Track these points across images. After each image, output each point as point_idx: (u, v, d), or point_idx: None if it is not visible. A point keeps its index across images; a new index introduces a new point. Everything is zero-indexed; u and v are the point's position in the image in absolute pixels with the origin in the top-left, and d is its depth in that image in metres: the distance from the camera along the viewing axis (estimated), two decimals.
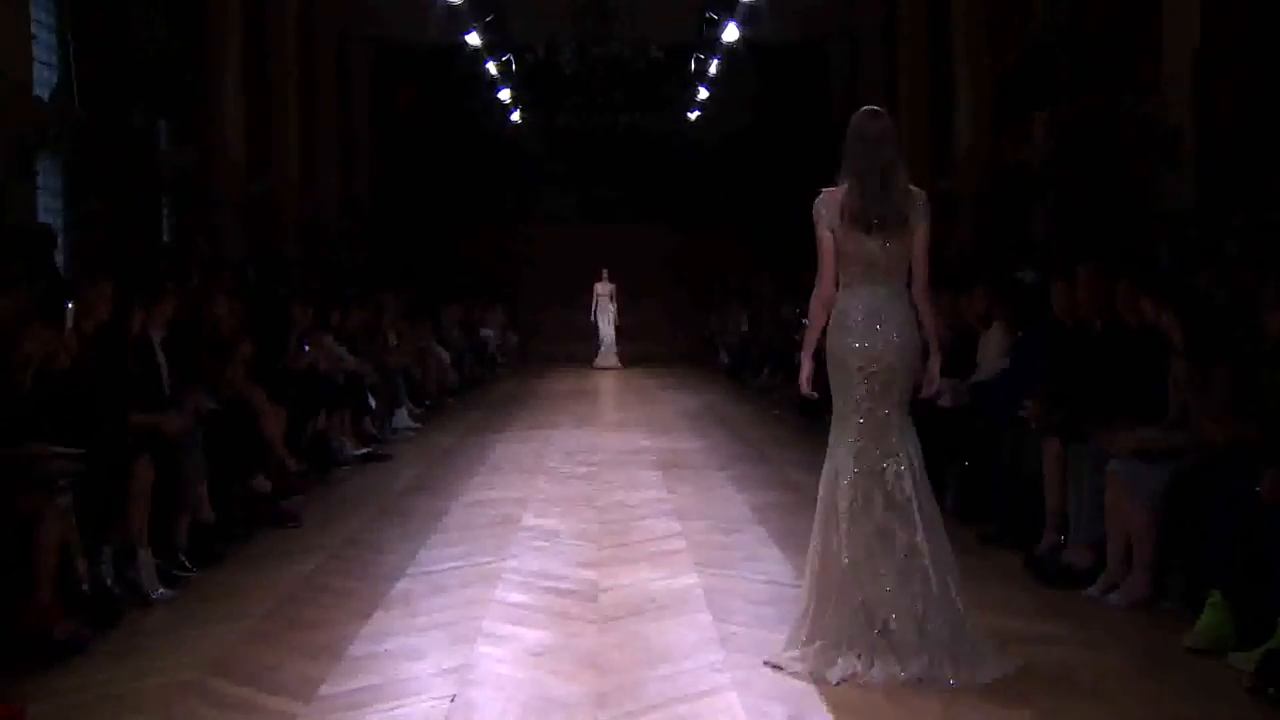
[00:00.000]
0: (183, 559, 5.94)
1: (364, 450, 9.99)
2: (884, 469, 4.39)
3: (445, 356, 15.49)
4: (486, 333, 20.31)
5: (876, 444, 4.41)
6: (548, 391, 16.66)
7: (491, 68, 21.16)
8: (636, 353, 21.14)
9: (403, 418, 11.92)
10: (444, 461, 9.88)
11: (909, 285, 4.52)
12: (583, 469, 9.32)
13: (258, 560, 6.31)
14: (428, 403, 13.65)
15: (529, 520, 7.25)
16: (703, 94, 22.75)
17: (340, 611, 5.24)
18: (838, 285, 4.48)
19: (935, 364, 4.57)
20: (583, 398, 15.92)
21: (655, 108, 23.57)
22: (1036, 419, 6.26)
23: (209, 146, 13.67)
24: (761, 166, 23.89)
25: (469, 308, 19.58)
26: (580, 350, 20.97)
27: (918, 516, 4.34)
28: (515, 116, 24.38)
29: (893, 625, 4.24)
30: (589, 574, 5.87)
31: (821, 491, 4.45)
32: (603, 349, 20.28)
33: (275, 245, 15.22)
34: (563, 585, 5.66)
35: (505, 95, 23.05)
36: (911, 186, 4.49)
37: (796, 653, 4.36)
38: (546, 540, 6.69)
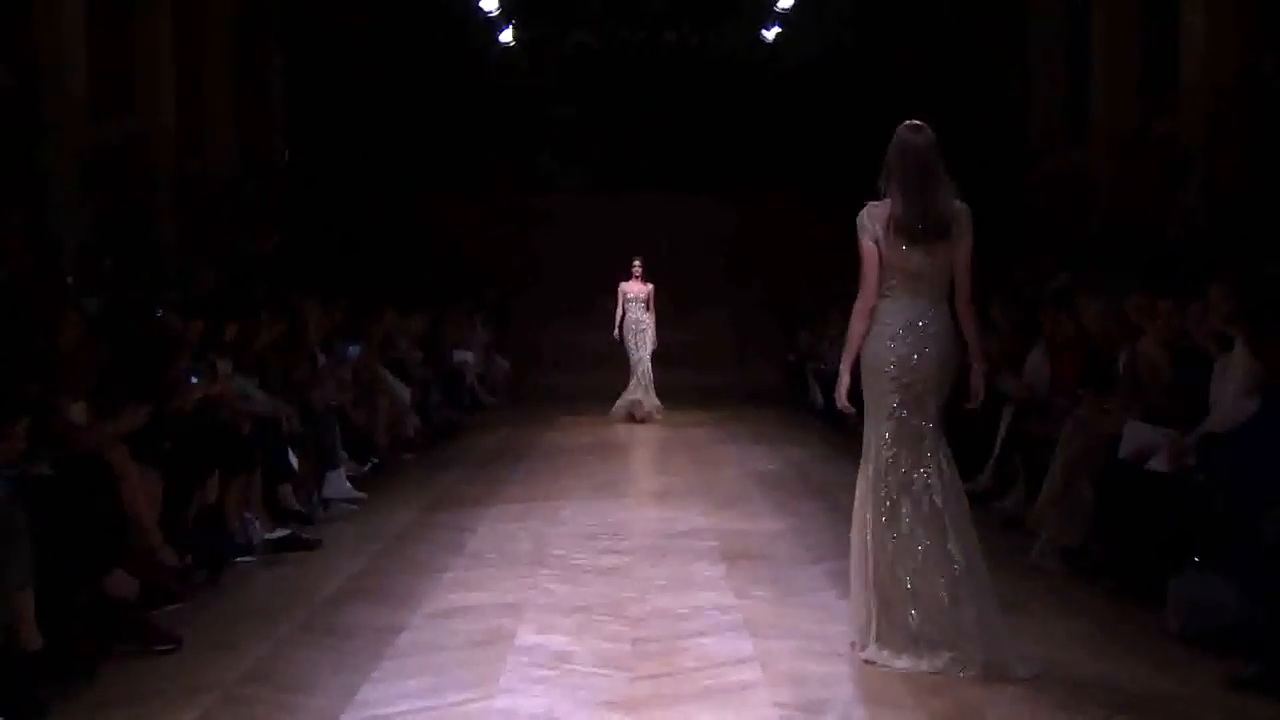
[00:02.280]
0: None
1: (280, 533, 10.01)
2: (914, 479, 6.50)
3: (402, 393, 15.62)
4: (463, 357, 20.44)
5: (909, 453, 6.52)
6: (553, 444, 16.72)
7: None
8: (685, 386, 21.14)
9: (339, 484, 12.00)
10: (399, 550, 9.95)
11: (950, 298, 6.62)
12: (607, 560, 9.40)
13: (108, 710, 6.24)
14: (375, 461, 13.76)
15: (527, 638, 7.32)
16: None
17: None
18: (880, 296, 6.51)
19: (978, 374, 6.73)
20: (606, 454, 15.97)
21: (714, 19, 23.71)
22: None
23: (36, 74, 13.75)
24: (871, 107, 23.83)
25: (436, 320, 19.70)
26: (602, 382, 20.93)
27: (948, 524, 6.47)
28: (506, 35, 24.54)
29: (914, 622, 6.42)
30: (617, 719, 5.92)
31: (856, 508, 6.66)
32: (632, 384, 19.45)
33: (142, 223, 15.29)
34: None
35: (492, 1, 23.19)
36: (955, 200, 6.56)
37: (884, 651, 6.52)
38: (553, 667, 6.76)
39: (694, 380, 21.97)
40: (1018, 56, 21.25)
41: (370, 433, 14.04)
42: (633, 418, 18.99)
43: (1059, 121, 20.18)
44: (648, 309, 19.39)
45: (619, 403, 19.30)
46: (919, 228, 6.48)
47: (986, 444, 11.35)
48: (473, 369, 20.80)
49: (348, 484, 12.15)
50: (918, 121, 6.61)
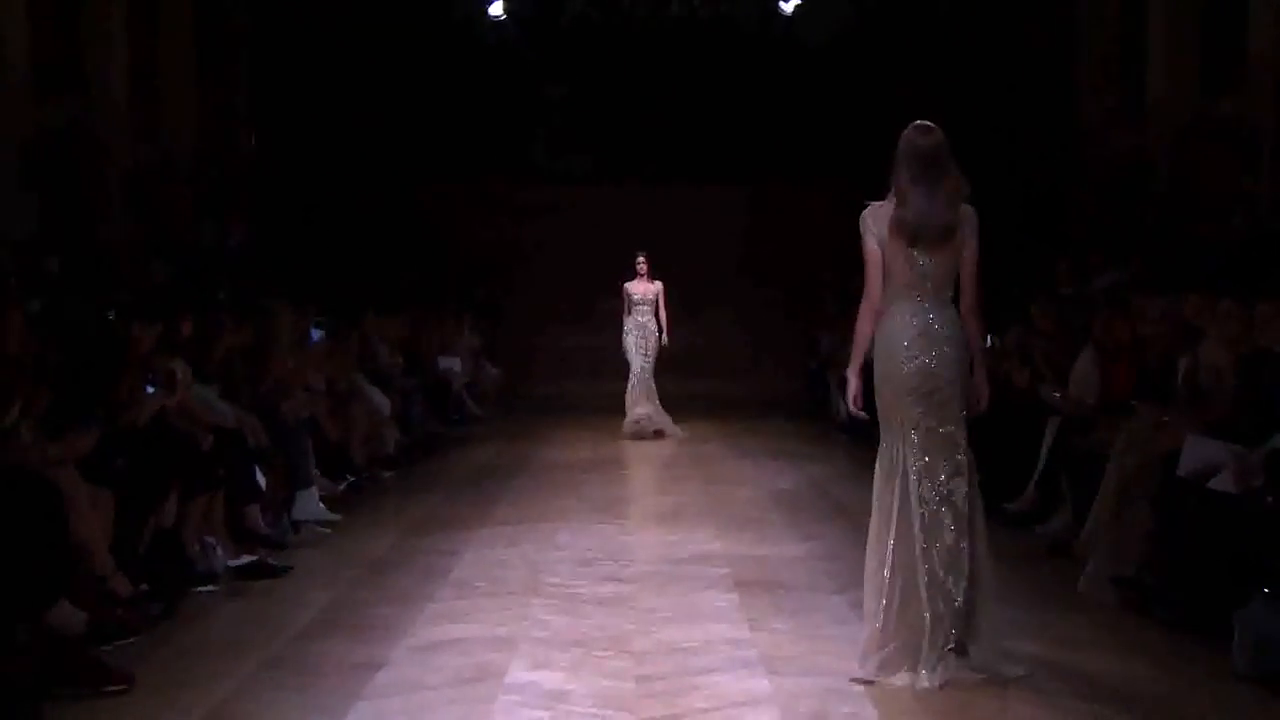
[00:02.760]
0: None
1: (245, 560, 10.00)
2: (953, 487, 7.06)
3: (381, 404, 15.64)
4: (449, 364, 20.44)
5: (944, 461, 7.07)
6: (549, 460, 16.70)
7: None
8: (693, 396, 21.11)
9: (310, 505, 12.00)
10: (377, 577, 9.95)
11: (955, 300, 7.14)
12: (607, 589, 9.41)
13: None
14: (351, 479, 13.80)
15: (519, 675, 7.33)
16: None
17: None
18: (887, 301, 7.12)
19: (981, 375, 7.24)
20: (607, 471, 15.95)
21: None
22: None
23: None
24: (902, 87, 23.82)
25: (419, 323, 19.69)
26: (604, 392, 20.90)
27: (974, 526, 7.13)
28: (496, 7, 24.55)
29: (929, 635, 6.96)
30: None
31: (874, 523, 7.18)
32: (633, 397, 18.98)
33: (91, 216, 15.27)
34: None
35: None
36: (963, 203, 7.08)
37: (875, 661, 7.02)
38: (548, 708, 6.77)
39: (703, 389, 21.94)
40: (1065, 29, 21.17)
41: (346, 448, 14.02)
42: (645, 435, 18.58)
43: (1112, 101, 20.04)
44: (656, 312, 18.91)
45: (625, 423, 18.90)
46: (922, 230, 7.01)
47: (1028, 461, 11.34)
48: (460, 377, 20.76)
49: (320, 505, 12.13)
50: (928, 123, 7.16)
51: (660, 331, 18.93)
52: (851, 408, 7.37)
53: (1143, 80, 18.20)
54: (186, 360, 10.75)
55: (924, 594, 6.94)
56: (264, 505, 10.97)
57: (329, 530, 11.74)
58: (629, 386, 19.02)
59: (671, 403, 19.42)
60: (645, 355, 18.95)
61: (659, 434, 18.71)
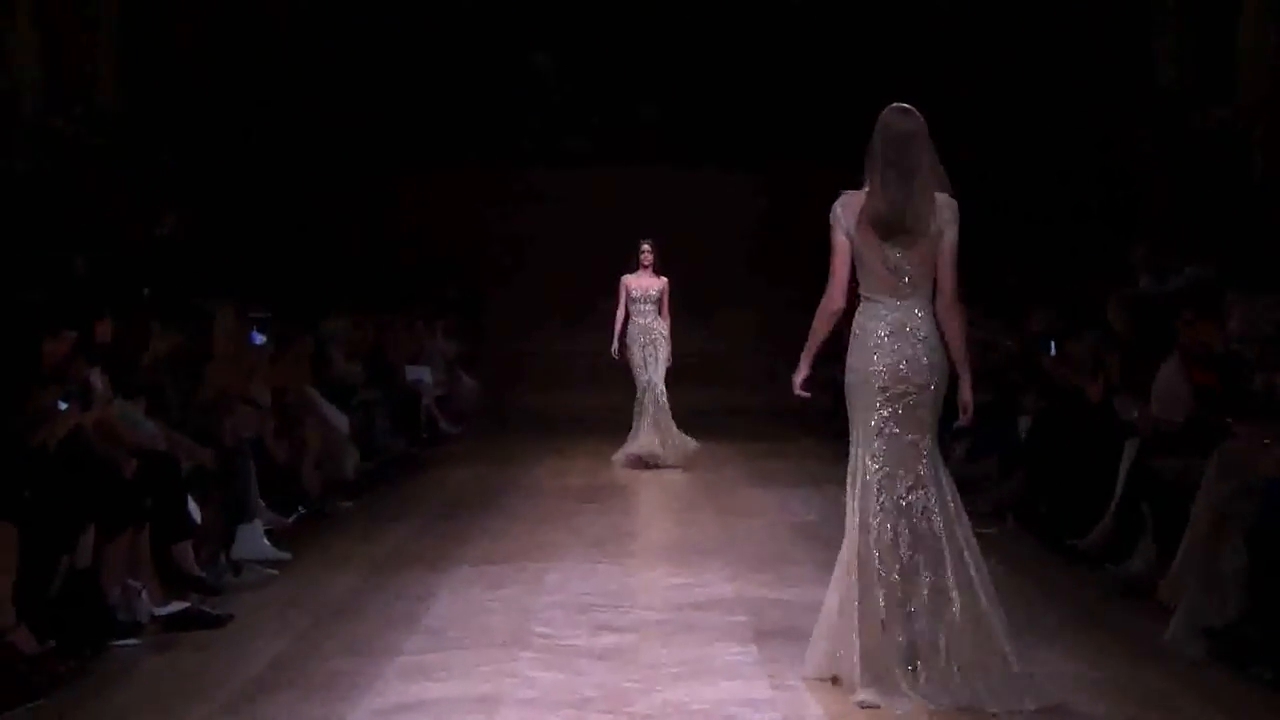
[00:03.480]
0: None
1: (176, 607, 9.96)
2: (910, 502, 7.63)
3: (339, 421, 15.70)
4: (419, 374, 20.52)
5: (904, 473, 7.68)
6: (537, 487, 16.79)
7: None
8: (703, 410, 21.09)
9: (255, 541, 12.03)
10: (333, 627, 9.96)
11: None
12: (605, 640, 9.47)
13: None
14: (303, 510, 13.84)
15: None
16: None
17: None
18: (858, 298, 7.74)
19: (966, 387, 7.86)
20: (605, 499, 16.02)
21: None
22: None
23: None
24: (947, 54, 23.90)
25: (384, 326, 19.79)
26: (601, 405, 20.87)
27: (947, 554, 7.58)
28: None
29: (920, 666, 7.47)
30: None
31: (847, 531, 7.80)
32: (641, 421, 18.48)
33: None
34: None
35: None
36: (940, 194, 7.66)
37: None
38: None
39: (713, 402, 22.00)
40: None
41: (296, 473, 14.06)
42: (647, 466, 18.16)
43: (1195, 66, 19.96)
44: (661, 311, 18.72)
45: (625, 450, 18.40)
46: (895, 222, 7.65)
47: (1103, 488, 11.29)
48: (432, 389, 20.84)
49: (266, 541, 12.14)
50: (906, 105, 7.77)
51: (667, 338, 18.69)
52: (796, 389, 8.20)
53: (1233, 43, 18.00)
54: (106, 370, 10.71)
55: (883, 613, 7.54)
56: (198, 542, 10.93)
57: (276, 571, 11.71)
58: (637, 401, 18.65)
59: (680, 418, 19.06)
60: (655, 365, 18.61)
61: (673, 466, 18.20)
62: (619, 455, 18.42)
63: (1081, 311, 13.78)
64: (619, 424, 19.14)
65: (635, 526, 14.59)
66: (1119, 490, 11.18)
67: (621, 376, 19.35)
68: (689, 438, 18.60)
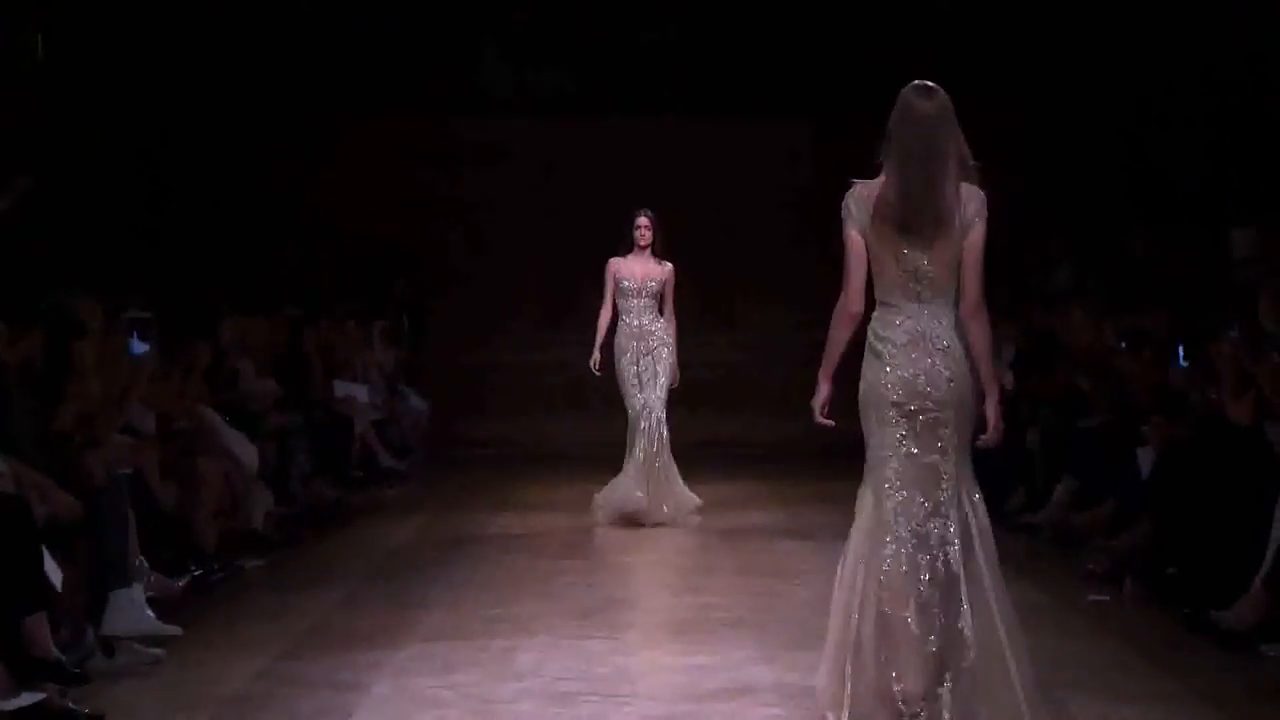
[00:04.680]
0: None
1: (27, 700, 9.82)
2: (930, 531, 8.40)
3: (245, 454, 15.73)
4: (350, 392, 20.64)
5: (922, 499, 8.44)
6: (504, 539, 16.97)
7: None
8: (722, 442, 21.26)
9: (133, 613, 11.90)
10: None
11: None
12: None
13: None
14: (197, 571, 13.76)
15: None
16: None
17: None
18: (876, 304, 8.45)
19: (993, 402, 8.59)
20: (593, 557, 16.24)
21: None
22: None
23: None
24: None
25: (303, 330, 19.87)
26: (587, 432, 20.81)
27: (964, 595, 8.30)
28: None
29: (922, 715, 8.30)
30: None
31: (849, 557, 8.62)
32: (633, 460, 17.91)
33: None
34: None
35: None
36: (966, 183, 8.32)
37: None
38: None
39: (738, 432, 22.02)
40: None
41: (189, 522, 14.07)
42: (634, 522, 17.63)
43: None
44: (662, 308, 18.16)
45: (607, 495, 17.89)
46: (914, 216, 8.32)
47: (1252, 543, 11.21)
48: (368, 412, 20.93)
49: (149, 612, 12.04)
50: (928, 83, 8.41)
51: (670, 344, 18.05)
52: (817, 415, 8.80)
53: None
54: None
55: (877, 665, 8.35)
56: (58, 614, 10.84)
57: (161, 652, 11.54)
58: (629, 429, 18.09)
59: (688, 454, 18.94)
60: (652, 382, 18.03)
61: (663, 523, 17.71)
62: (601, 501, 17.96)
63: (1217, 309, 13.73)
64: (612, 460, 18.66)
65: (633, 592, 14.64)
66: (1274, 546, 11.10)
67: (608, 396, 18.99)
68: (690, 493, 18.07)
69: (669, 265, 18.10)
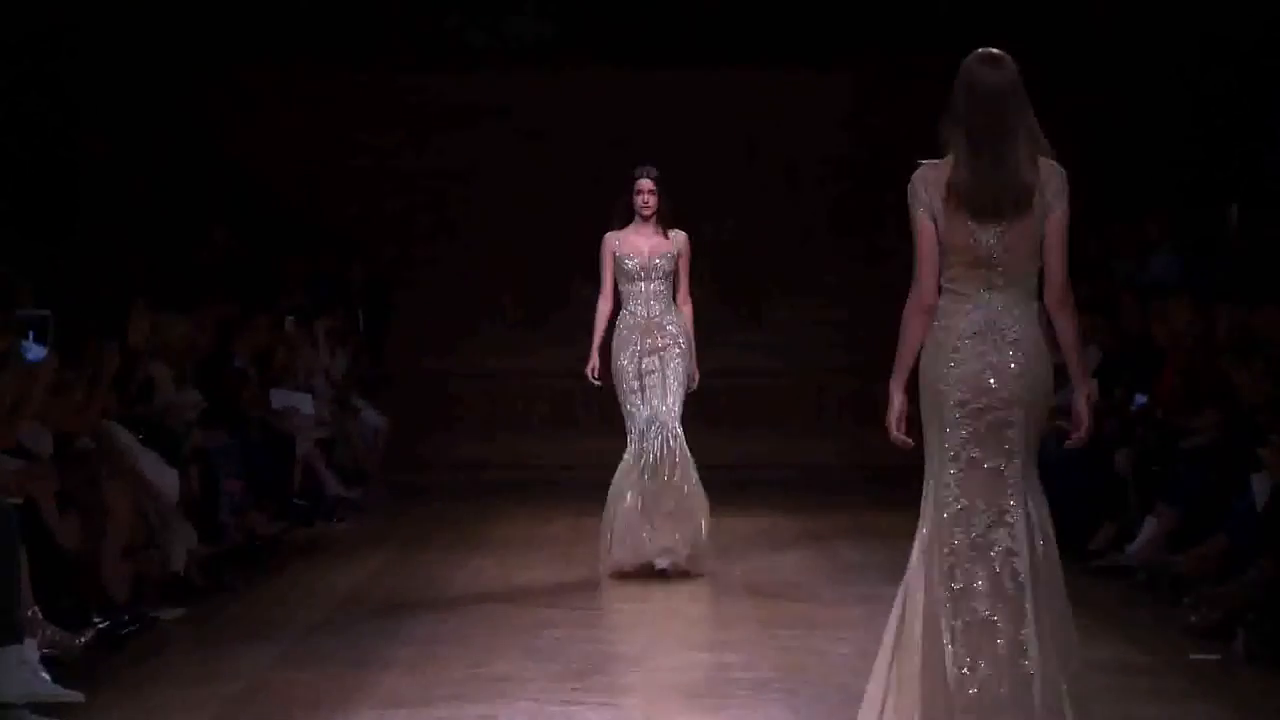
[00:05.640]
0: None
1: None
2: (993, 540, 9.03)
3: (163, 480, 15.76)
4: (291, 403, 20.81)
5: (985, 506, 9.06)
6: (479, 585, 17.11)
7: None
8: (745, 465, 21.44)
9: (23, 673, 11.87)
10: None
11: (1040, 292, 9.10)
12: None
13: None
14: (102, 624, 13.73)
15: None
16: None
17: None
18: (940, 291, 9.16)
19: (1081, 398, 9.21)
20: (588, 604, 16.28)
21: None
22: None
23: None
24: None
25: (231, 329, 19.96)
26: (582, 456, 20.88)
27: (1029, 607, 8.95)
28: None
29: None
30: None
31: (910, 570, 9.29)
32: (634, 491, 17.30)
33: None
34: None
35: None
36: (1043, 158, 8.96)
37: None
38: None
39: (763, 453, 22.04)
40: None
41: (94, 564, 14.13)
42: (648, 568, 17.09)
43: None
44: (675, 293, 17.50)
45: (610, 545, 17.26)
46: (987, 198, 8.97)
47: None
48: (313, 429, 21.01)
49: (44, 674, 12.13)
50: (994, 50, 9.05)
51: (686, 337, 17.49)
52: (893, 432, 9.35)
53: None
54: None
55: (936, 681, 8.99)
56: None
57: None
58: (626, 457, 17.51)
59: (705, 481, 18.00)
60: (661, 387, 17.50)
61: (673, 568, 17.17)
62: (604, 554, 17.40)
63: None
64: (603, 487, 18.07)
65: (636, 648, 14.61)
66: None
67: (606, 410, 18.71)
68: (701, 536, 17.32)
69: (681, 234, 17.45)
